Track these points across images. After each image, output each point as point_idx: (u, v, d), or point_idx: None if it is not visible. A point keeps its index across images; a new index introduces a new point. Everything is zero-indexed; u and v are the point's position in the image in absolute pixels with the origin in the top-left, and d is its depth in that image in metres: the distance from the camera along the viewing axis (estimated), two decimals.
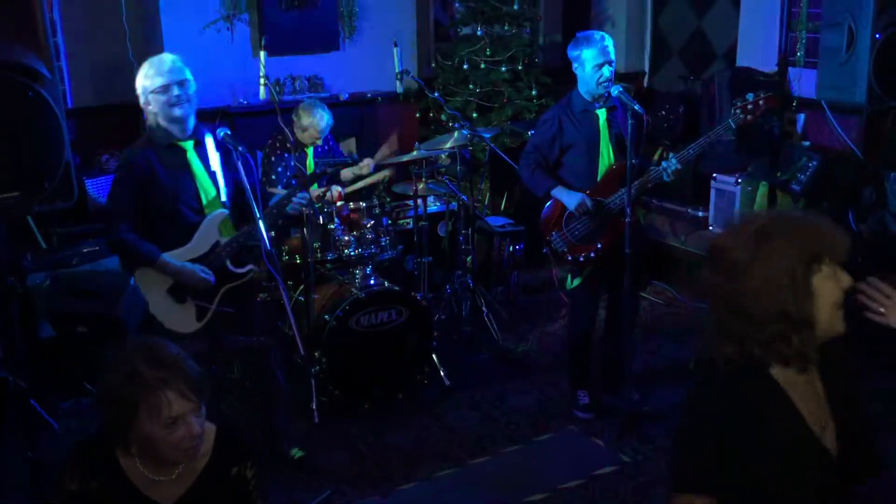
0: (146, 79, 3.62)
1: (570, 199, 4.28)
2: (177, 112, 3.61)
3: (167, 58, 3.66)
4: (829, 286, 1.84)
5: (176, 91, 3.59)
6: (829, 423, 1.94)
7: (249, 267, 3.89)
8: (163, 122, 3.66)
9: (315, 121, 5.12)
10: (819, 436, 1.90)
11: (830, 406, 1.95)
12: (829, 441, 1.92)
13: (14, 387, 3.88)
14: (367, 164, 5.46)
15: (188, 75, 3.66)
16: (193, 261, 3.71)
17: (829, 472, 1.91)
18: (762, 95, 4.13)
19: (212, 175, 3.76)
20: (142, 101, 3.67)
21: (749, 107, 4.12)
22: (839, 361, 1.99)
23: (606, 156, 4.35)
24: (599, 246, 4.37)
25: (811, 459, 1.90)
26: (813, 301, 1.83)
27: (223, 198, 3.78)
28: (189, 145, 3.71)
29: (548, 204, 4.42)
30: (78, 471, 2.18)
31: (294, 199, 3.92)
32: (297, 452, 4.17)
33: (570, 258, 4.42)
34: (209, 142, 3.77)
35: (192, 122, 3.71)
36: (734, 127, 4.20)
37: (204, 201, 3.75)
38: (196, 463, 2.24)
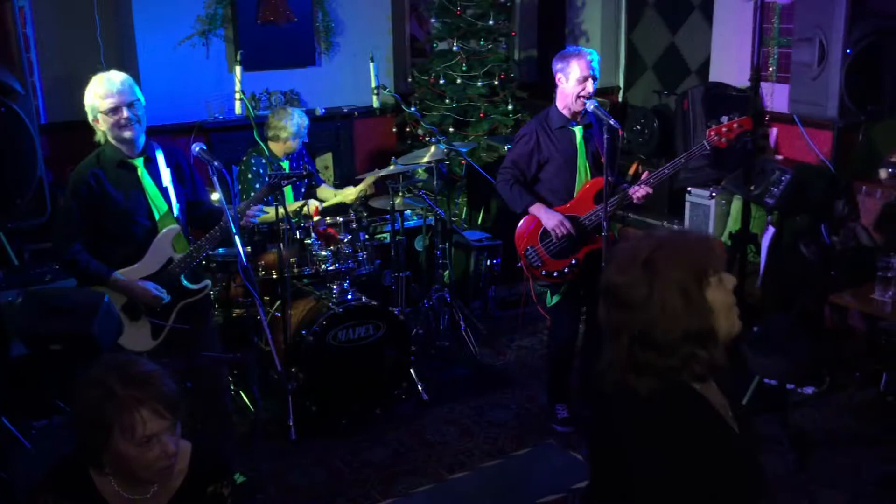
0: (95, 98, 3.57)
1: (549, 218, 4.29)
2: (126, 134, 3.57)
3: (116, 77, 3.59)
4: (720, 294, 1.91)
5: (126, 113, 3.54)
6: (728, 407, 2.01)
7: (205, 283, 3.85)
8: (112, 141, 3.62)
9: (285, 123, 5.08)
10: (730, 424, 1.98)
11: (731, 408, 2.02)
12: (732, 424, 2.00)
13: None
14: (350, 191, 5.38)
15: (138, 94, 3.61)
16: (146, 278, 3.66)
17: (749, 451, 2.00)
18: (736, 118, 4.17)
19: (163, 191, 3.71)
20: (90, 117, 3.62)
21: (724, 129, 4.16)
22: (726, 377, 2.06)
23: (583, 172, 4.37)
24: (574, 262, 4.38)
25: (743, 457, 1.97)
26: (711, 313, 1.90)
27: (175, 213, 3.74)
28: (139, 162, 3.66)
29: (524, 218, 4.43)
30: (51, 491, 2.15)
31: (249, 212, 3.85)
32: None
33: (544, 273, 4.42)
34: (160, 157, 3.72)
35: (142, 140, 3.66)
36: (709, 149, 4.24)
37: (156, 217, 3.70)
38: (171, 482, 2.21)
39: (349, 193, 5.32)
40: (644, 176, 4.30)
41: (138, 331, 3.70)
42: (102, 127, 3.60)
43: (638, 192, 4.24)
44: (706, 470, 1.89)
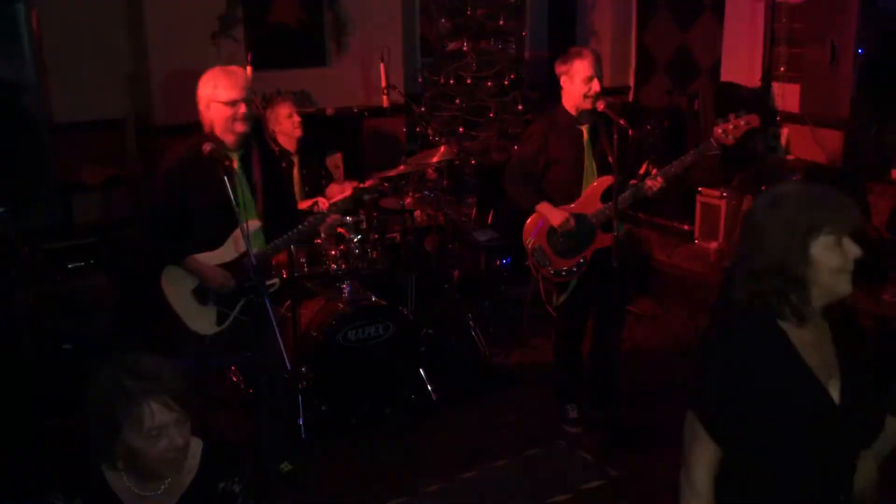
0: (217, 88, 3.65)
1: (555, 215, 4.29)
2: (238, 128, 3.68)
3: (241, 73, 3.70)
4: (829, 254, 2.00)
5: (243, 109, 3.64)
6: (836, 376, 2.07)
7: (274, 280, 3.92)
8: (219, 131, 3.70)
9: (279, 111, 5.14)
10: (822, 381, 2.04)
11: (839, 362, 2.09)
12: (833, 391, 2.05)
13: None
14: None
15: (251, 95, 3.72)
16: (220, 266, 3.76)
17: (831, 418, 2.05)
18: (744, 116, 4.16)
19: (252, 186, 3.81)
20: (202, 105, 3.70)
21: (731, 127, 4.15)
22: (849, 322, 2.17)
23: (590, 171, 4.37)
24: (582, 260, 4.38)
25: (813, 403, 2.04)
26: (809, 265, 2.00)
27: (259, 210, 3.83)
28: (237, 155, 3.77)
29: (531, 217, 4.43)
30: (63, 487, 2.16)
31: (327, 222, 3.94)
32: (286, 466, 4.15)
33: (552, 272, 4.42)
34: (255, 155, 3.82)
35: (244, 137, 3.76)
36: (716, 146, 4.23)
37: (240, 210, 3.75)
38: (183, 478, 2.22)
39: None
40: (653, 174, 4.30)
41: (205, 315, 3.79)
42: (213, 116, 3.67)
43: (654, 185, 4.22)
44: (753, 396, 2.01)
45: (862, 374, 2.11)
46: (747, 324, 2.08)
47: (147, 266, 3.90)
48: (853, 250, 2.02)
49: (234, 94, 3.63)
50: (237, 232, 3.73)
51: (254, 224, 3.78)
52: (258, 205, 3.82)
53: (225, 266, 3.76)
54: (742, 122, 4.15)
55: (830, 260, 2.00)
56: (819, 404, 2.04)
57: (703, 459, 2.09)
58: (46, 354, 4.51)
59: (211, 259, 3.75)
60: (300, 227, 3.84)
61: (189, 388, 2.15)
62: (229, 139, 3.71)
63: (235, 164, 3.74)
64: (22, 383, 4.36)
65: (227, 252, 3.77)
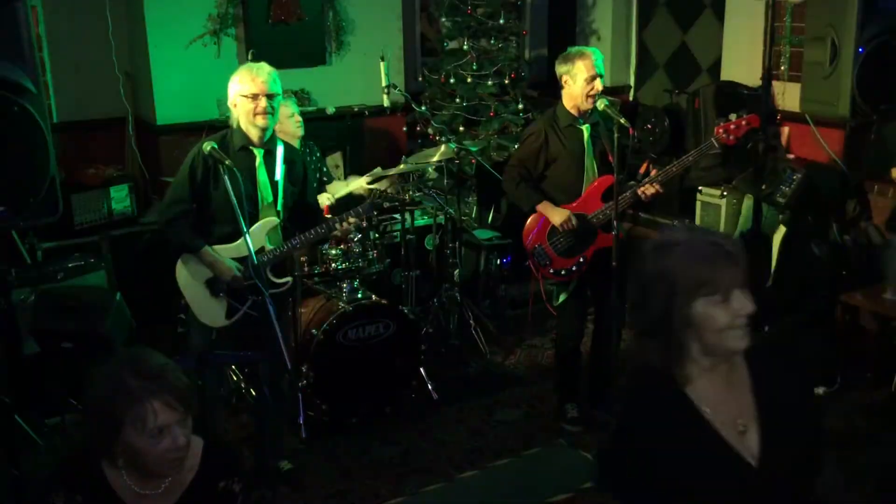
0: (241, 82, 3.73)
1: (555, 215, 4.29)
2: (259, 122, 3.74)
3: (266, 68, 3.76)
4: (712, 312, 1.85)
5: (263, 103, 3.71)
6: (753, 429, 1.92)
7: (287, 279, 3.95)
8: (243, 126, 3.77)
9: (281, 112, 5.13)
10: (731, 439, 1.90)
11: (757, 409, 1.94)
12: (749, 442, 1.91)
13: None
14: (360, 181, 5.41)
15: (279, 90, 3.78)
16: (235, 259, 3.79)
17: (748, 481, 1.89)
18: (745, 116, 4.16)
19: (273, 184, 3.85)
20: (229, 100, 3.79)
21: (732, 126, 4.15)
22: (770, 367, 1.98)
23: (591, 171, 4.36)
24: (582, 260, 4.38)
25: (726, 469, 1.89)
26: (690, 325, 1.85)
27: (278, 206, 3.86)
28: (260, 152, 3.81)
29: (532, 217, 4.43)
30: (63, 485, 2.16)
31: (345, 225, 3.96)
32: (285, 465, 4.16)
33: (552, 271, 4.42)
34: (279, 151, 3.87)
35: (269, 133, 3.82)
36: (717, 146, 4.23)
37: (260, 207, 3.83)
38: (183, 476, 2.22)
39: (360, 182, 5.34)
40: (653, 174, 4.30)
41: (216, 307, 3.84)
42: (238, 111, 3.75)
43: (647, 190, 4.23)
44: (665, 462, 1.89)
45: (787, 421, 1.93)
46: (647, 389, 1.94)
47: (170, 250, 3.93)
48: (746, 306, 1.85)
49: (254, 88, 3.70)
50: (255, 227, 3.78)
51: (271, 222, 3.84)
52: (276, 202, 3.85)
53: (239, 260, 3.80)
54: (743, 122, 4.15)
55: (715, 320, 1.84)
56: (732, 470, 1.89)
57: None
58: (46, 353, 4.51)
59: (228, 252, 3.80)
60: (317, 228, 3.89)
61: (191, 387, 2.15)
62: (253, 133, 3.77)
63: (257, 161, 3.80)
64: (22, 382, 4.36)
65: (242, 247, 3.77)
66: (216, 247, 3.78)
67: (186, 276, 3.82)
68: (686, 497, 1.88)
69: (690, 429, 1.90)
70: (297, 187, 3.96)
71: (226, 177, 3.59)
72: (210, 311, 3.84)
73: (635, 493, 1.93)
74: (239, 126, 3.79)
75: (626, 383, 2.04)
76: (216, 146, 3.67)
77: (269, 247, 3.84)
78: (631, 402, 1.99)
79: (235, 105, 3.77)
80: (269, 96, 3.72)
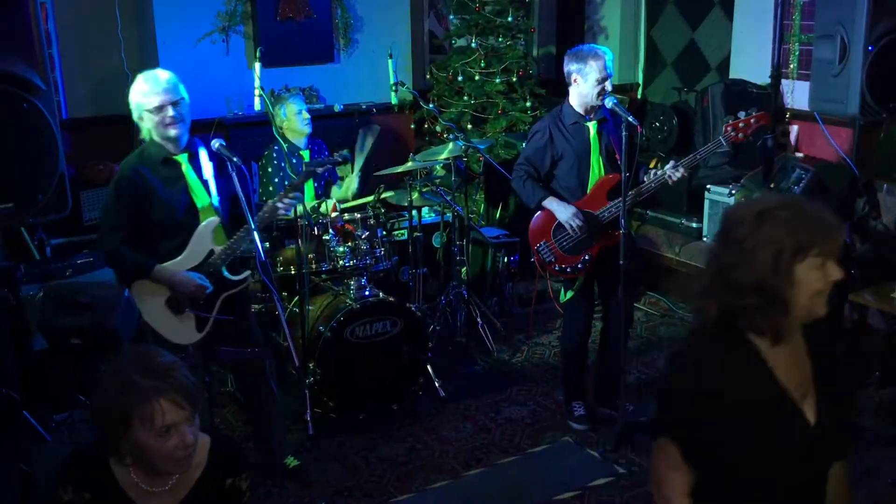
0: (141, 96, 3.62)
1: (562, 211, 4.29)
2: (171, 132, 3.63)
3: (162, 76, 3.65)
4: (813, 275, 1.96)
5: (171, 112, 3.60)
6: (811, 394, 2.04)
7: (245, 273, 3.89)
8: (157, 138, 3.67)
9: (288, 108, 5.15)
10: (796, 401, 2.02)
11: (814, 380, 2.06)
12: (808, 410, 2.03)
13: (6, 399, 3.87)
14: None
15: (183, 93, 3.66)
16: (189, 270, 3.71)
17: (805, 438, 2.02)
18: (754, 114, 4.14)
19: (205, 184, 3.77)
20: (135, 115, 3.67)
21: (741, 125, 4.14)
22: (826, 340, 2.12)
23: (597, 168, 4.36)
24: (587, 257, 4.38)
25: (787, 424, 2.01)
26: (792, 286, 1.96)
27: (216, 205, 3.78)
28: (183, 158, 3.72)
29: (537, 214, 4.42)
30: (71, 482, 2.17)
31: (286, 199, 3.86)
32: (291, 462, 4.16)
33: (557, 268, 4.42)
34: (202, 152, 3.79)
35: (185, 137, 3.72)
36: (725, 144, 4.22)
37: (198, 211, 3.75)
38: (190, 474, 2.23)
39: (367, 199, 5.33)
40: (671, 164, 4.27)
41: (183, 324, 3.74)
42: (147, 125, 3.65)
43: (673, 175, 4.20)
44: (723, 416, 1.97)
45: (837, 390, 2.08)
46: (719, 344, 2.03)
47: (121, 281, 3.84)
48: (835, 273, 1.98)
49: (156, 100, 3.58)
50: (198, 233, 3.70)
51: (213, 222, 3.75)
52: (212, 201, 3.77)
53: (193, 270, 3.71)
54: (752, 120, 4.14)
55: (813, 282, 1.96)
56: (793, 425, 2.02)
57: (680, 487, 2.05)
58: (55, 349, 4.52)
59: (178, 266, 3.70)
60: (260, 213, 3.77)
61: (198, 385, 2.16)
62: (169, 143, 3.67)
63: (183, 167, 3.70)
64: (30, 378, 4.38)
65: (192, 256, 3.72)
66: (165, 264, 3.67)
67: (145, 302, 3.70)
68: (748, 451, 1.99)
69: (763, 388, 2.00)
70: (228, 182, 3.80)
71: (234, 173, 3.58)
72: (180, 330, 3.73)
73: (701, 446, 2.00)
74: (153, 139, 3.68)
75: (697, 340, 2.10)
76: (141, 161, 3.61)
77: (217, 247, 3.75)
78: (705, 357, 2.04)
79: (142, 119, 3.65)
80: (175, 103, 3.61)
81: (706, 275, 2.10)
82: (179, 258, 3.70)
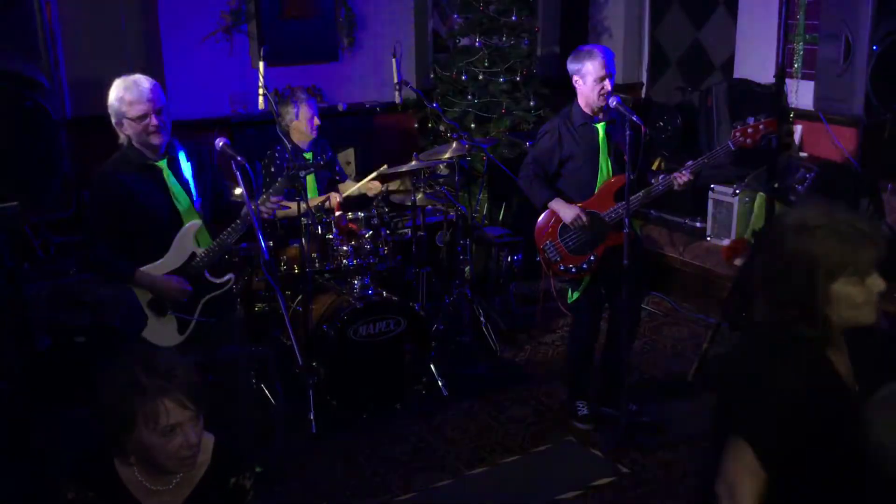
0: (122, 104, 3.54)
1: (567, 211, 4.29)
2: (154, 140, 3.57)
3: (145, 83, 3.56)
4: (852, 291, 1.98)
5: (154, 121, 3.53)
6: (853, 385, 2.08)
7: (228, 276, 3.86)
8: (137, 145, 3.61)
9: (303, 111, 5.15)
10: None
11: (857, 380, 2.10)
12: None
13: (10, 397, 3.88)
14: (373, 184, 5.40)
15: (164, 99, 3.60)
16: (170, 273, 3.68)
17: (861, 423, 2.02)
18: (762, 119, 4.13)
19: (184, 185, 3.71)
20: (114, 120, 3.59)
21: (749, 130, 4.12)
22: (868, 345, 2.15)
23: (605, 170, 4.35)
24: (592, 258, 4.37)
25: (852, 410, 2.01)
26: (829, 303, 1.97)
27: (197, 207, 3.74)
28: (163, 163, 3.67)
29: (543, 213, 4.42)
30: (75, 480, 2.18)
31: (268, 203, 3.83)
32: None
33: (562, 268, 4.42)
34: (181, 155, 3.73)
35: (166, 143, 3.66)
36: (733, 149, 4.21)
37: (180, 213, 3.70)
38: (194, 472, 2.23)
39: (371, 186, 5.33)
40: (661, 176, 4.28)
41: (164, 326, 3.71)
42: (128, 131, 3.58)
43: (680, 178, 4.20)
44: (810, 420, 1.97)
45: (870, 377, 2.10)
46: (795, 350, 2.02)
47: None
48: (878, 284, 2.00)
49: (140, 108, 3.52)
50: (180, 236, 3.68)
51: (195, 225, 3.71)
52: (194, 204, 3.73)
53: (175, 272, 3.68)
54: (760, 126, 4.13)
55: (853, 297, 1.98)
56: (856, 416, 2.01)
57: (753, 489, 2.02)
58: (59, 347, 4.53)
59: (160, 269, 3.67)
60: (241, 216, 3.73)
61: (202, 385, 2.16)
62: (151, 150, 3.62)
63: (164, 172, 3.66)
64: (35, 376, 4.39)
65: (173, 258, 3.69)
66: (146, 267, 3.63)
67: None
68: (829, 457, 2.00)
69: (837, 394, 2.02)
70: (208, 180, 3.81)
71: (238, 172, 3.57)
72: (162, 333, 3.70)
73: (782, 452, 2.00)
74: (132, 144, 3.61)
75: (775, 347, 2.06)
76: (119, 168, 3.56)
77: (199, 250, 3.72)
78: (786, 364, 2.02)
79: (121, 125, 3.58)
80: (158, 111, 3.55)
81: (756, 280, 2.12)
82: (161, 261, 3.66)
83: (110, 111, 3.58)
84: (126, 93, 3.53)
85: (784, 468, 2.00)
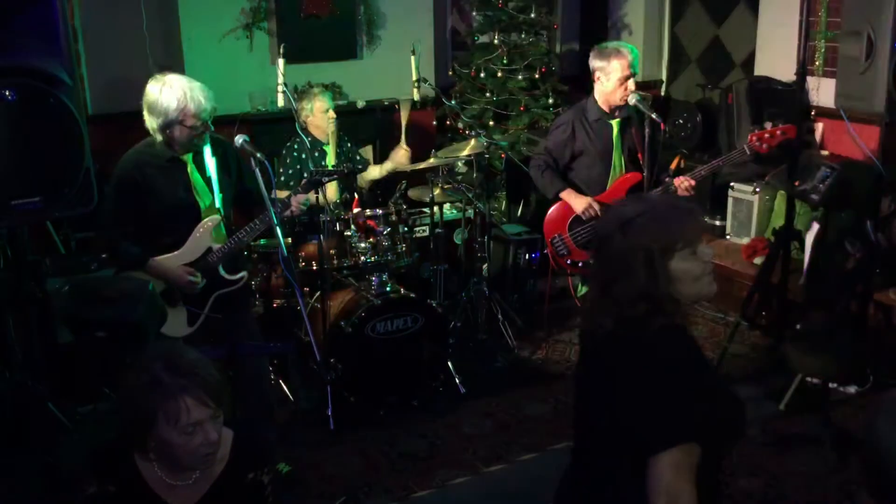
0: (180, 112, 3.60)
1: (578, 202, 4.27)
2: (196, 142, 3.67)
3: (206, 95, 3.64)
4: (688, 265, 2.06)
5: (202, 129, 3.65)
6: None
7: (242, 274, 3.90)
8: (177, 146, 3.69)
9: (316, 105, 5.17)
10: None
11: None
12: None
13: (32, 391, 3.91)
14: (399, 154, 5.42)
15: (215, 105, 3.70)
16: (185, 266, 3.74)
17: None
18: (780, 125, 4.11)
19: (207, 181, 3.78)
20: (160, 121, 3.64)
21: (766, 135, 4.11)
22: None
23: (618, 166, 4.35)
24: None
25: (725, 387, 2.21)
26: (672, 282, 2.05)
27: (218, 204, 3.80)
28: (189, 158, 3.75)
29: (554, 206, 4.41)
30: (96, 475, 2.20)
31: (294, 205, 3.91)
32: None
33: (569, 262, 4.40)
34: (206, 149, 3.79)
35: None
36: (749, 154, 4.19)
37: (201, 209, 3.77)
38: (213, 468, 2.25)
39: (399, 158, 5.34)
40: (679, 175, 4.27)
41: (175, 317, 3.77)
42: (175, 134, 3.65)
43: (682, 183, 4.19)
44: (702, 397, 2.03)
45: None
46: (670, 334, 2.04)
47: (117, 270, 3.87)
48: (708, 252, 2.09)
49: (198, 119, 3.61)
50: (198, 230, 3.72)
51: (213, 220, 3.77)
52: (215, 200, 3.79)
53: (190, 266, 3.74)
54: (778, 132, 4.11)
55: (691, 271, 2.06)
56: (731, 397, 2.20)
57: (693, 489, 1.95)
58: (80, 342, 4.56)
59: (175, 260, 3.72)
60: (261, 216, 3.78)
61: (222, 380, 2.17)
62: (180, 146, 3.70)
63: (188, 167, 3.74)
64: (56, 370, 4.43)
65: (189, 251, 3.74)
66: (160, 257, 3.70)
67: None
68: (727, 421, 2.11)
69: (704, 357, 2.14)
70: (232, 176, 3.87)
71: (257, 169, 3.59)
72: (171, 323, 3.76)
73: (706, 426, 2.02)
74: (162, 140, 3.70)
75: (645, 340, 2.06)
76: (146, 157, 3.64)
77: (216, 245, 3.78)
78: (668, 347, 2.06)
79: (170, 128, 3.64)
80: (206, 122, 3.66)
81: (592, 294, 2.17)
82: (176, 253, 3.73)
83: (157, 111, 3.63)
84: (190, 103, 3.60)
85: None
